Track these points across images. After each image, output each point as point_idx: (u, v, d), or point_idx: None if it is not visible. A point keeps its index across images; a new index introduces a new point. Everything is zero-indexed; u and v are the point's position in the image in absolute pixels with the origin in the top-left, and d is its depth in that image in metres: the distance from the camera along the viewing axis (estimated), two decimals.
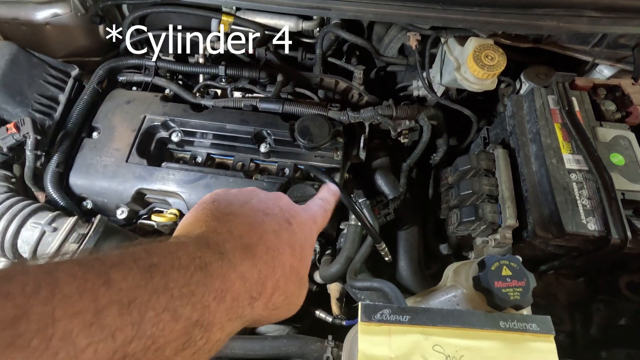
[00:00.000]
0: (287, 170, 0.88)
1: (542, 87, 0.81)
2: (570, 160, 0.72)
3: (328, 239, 0.94)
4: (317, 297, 0.98)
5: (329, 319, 0.91)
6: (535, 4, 0.68)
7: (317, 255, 0.91)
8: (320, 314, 0.92)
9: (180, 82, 1.09)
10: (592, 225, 0.65)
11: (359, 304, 0.56)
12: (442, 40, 0.96)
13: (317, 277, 0.92)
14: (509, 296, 0.57)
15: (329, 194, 0.55)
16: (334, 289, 0.94)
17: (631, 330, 0.83)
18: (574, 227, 0.65)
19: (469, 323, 0.56)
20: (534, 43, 0.86)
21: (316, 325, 0.97)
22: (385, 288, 0.62)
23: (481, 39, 0.83)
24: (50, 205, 0.78)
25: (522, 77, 0.97)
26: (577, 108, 0.78)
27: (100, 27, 1.13)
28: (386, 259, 0.77)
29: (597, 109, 0.79)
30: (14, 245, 0.69)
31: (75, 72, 0.91)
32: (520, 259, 0.61)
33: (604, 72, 0.92)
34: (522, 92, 0.96)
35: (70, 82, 0.90)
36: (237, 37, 1.08)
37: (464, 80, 0.82)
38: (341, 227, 0.88)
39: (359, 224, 0.81)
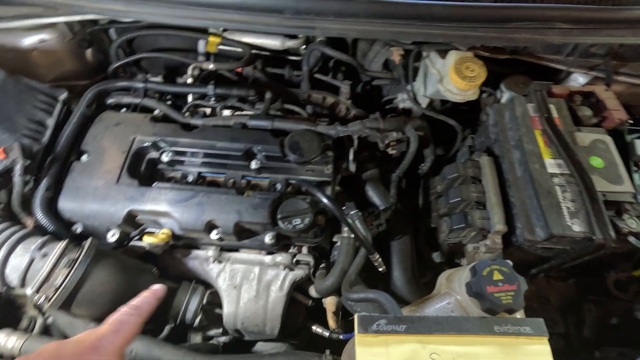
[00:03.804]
0: (278, 186, 0.89)
1: (522, 96, 0.85)
2: (552, 164, 0.75)
3: (322, 253, 0.94)
4: (314, 312, 0.98)
5: (326, 333, 0.90)
6: (510, 18, 0.72)
7: (312, 270, 0.91)
8: (317, 329, 0.92)
9: (170, 103, 1.10)
10: (577, 227, 0.67)
11: (355, 315, 0.56)
12: (424, 54, 1.00)
13: (313, 291, 0.92)
14: (502, 300, 0.58)
15: (143, 299, 0.55)
16: (329, 302, 0.93)
17: (623, 329, 0.85)
18: (560, 229, 0.67)
19: (464, 329, 0.56)
20: (512, 54, 0.90)
21: (314, 341, 0.96)
22: (380, 298, 0.62)
23: (461, 52, 0.86)
24: (40, 230, 0.77)
25: (502, 86, 1.01)
26: (555, 115, 0.81)
27: (88, 51, 1.14)
28: (380, 269, 0.77)
29: (574, 115, 0.83)
30: (2, 273, 0.68)
31: (63, 96, 0.91)
32: (511, 263, 0.63)
33: (579, 79, 0.96)
34: (502, 101, 0.99)
35: (58, 106, 0.90)
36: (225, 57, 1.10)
37: (447, 92, 0.85)
38: (334, 240, 0.89)
39: (352, 236, 0.81)
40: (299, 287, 0.96)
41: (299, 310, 0.99)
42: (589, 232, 0.66)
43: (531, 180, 0.73)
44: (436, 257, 0.94)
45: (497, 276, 0.60)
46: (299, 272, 0.91)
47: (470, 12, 0.70)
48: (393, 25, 0.70)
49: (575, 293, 0.89)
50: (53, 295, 0.63)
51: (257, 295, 0.90)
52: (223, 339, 1.00)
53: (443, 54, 0.92)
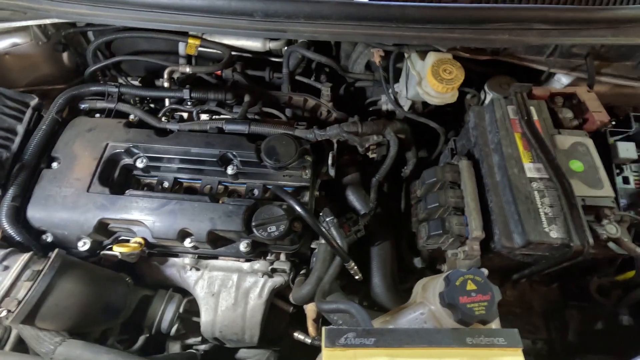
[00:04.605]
0: (256, 192, 0.87)
1: (502, 98, 0.83)
2: (531, 169, 0.73)
3: (302, 258, 0.92)
4: (296, 318, 0.96)
5: (308, 340, 0.89)
6: (487, 19, 0.70)
7: (291, 276, 0.89)
8: (298, 335, 0.90)
9: (152, 107, 1.08)
10: (554, 233, 0.66)
11: (323, 328, 0.54)
12: (406, 55, 0.98)
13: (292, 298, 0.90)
14: (474, 311, 0.56)
15: None
16: (310, 309, 0.92)
17: (606, 335, 0.84)
18: (537, 236, 0.65)
19: (435, 342, 0.55)
20: (493, 55, 0.88)
21: (296, 348, 0.95)
22: (351, 310, 0.60)
23: (440, 53, 0.84)
24: (7, 241, 0.75)
25: (485, 87, 1.00)
26: (535, 117, 0.79)
27: (65, 55, 1.12)
28: (356, 277, 0.75)
29: (555, 117, 0.81)
30: None
31: (34, 102, 0.89)
32: (486, 271, 0.61)
33: (562, 80, 0.94)
34: (486, 102, 0.97)
35: (28, 112, 0.87)
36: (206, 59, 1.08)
37: (425, 94, 0.83)
38: (313, 246, 0.87)
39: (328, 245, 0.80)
40: (280, 294, 0.95)
41: (281, 317, 0.98)
42: (567, 239, 0.65)
43: (509, 185, 0.71)
44: (418, 262, 0.93)
45: (470, 286, 0.59)
46: (278, 279, 0.89)
47: (444, 14, 0.68)
48: (366, 27, 0.68)
49: (558, 298, 0.87)
50: (15, 309, 0.61)
51: (236, 303, 0.89)
52: (203, 347, 0.98)
53: (423, 55, 0.90)
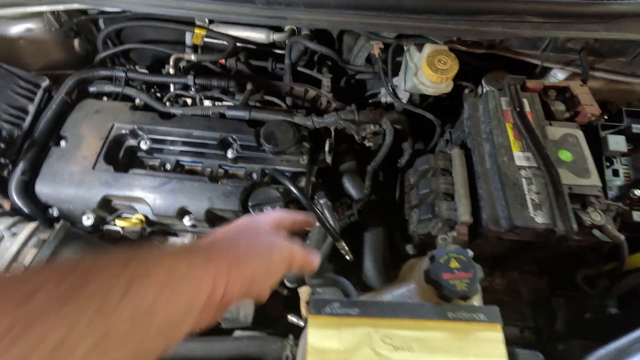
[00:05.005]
0: (254, 175, 0.90)
1: (496, 90, 0.85)
2: (521, 157, 0.75)
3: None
4: (290, 301, 0.99)
5: (302, 323, 0.91)
6: (481, 10, 0.72)
7: None
8: (292, 318, 0.93)
9: (158, 95, 1.12)
10: (539, 219, 0.67)
11: (310, 298, 0.57)
12: (405, 48, 1.00)
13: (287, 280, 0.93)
14: (456, 287, 0.58)
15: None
16: (304, 292, 0.94)
17: (594, 324, 0.85)
18: (522, 220, 0.67)
19: (417, 314, 0.57)
20: (488, 49, 0.90)
21: (291, 331, 0.97)
22: (339, 281, 0.63)
23: (437, 45, 0.87)
24: (16, 213, 0.79)
25: (483, 82, 1.01)
26: (527, 109, 0.81)
27: (76, 41, 1.16)
28: (347, 257, 0.78)
29: (547, 110, 0.83)
30: None
31: (45, 83, 0.93)
32: (471, 253, 0.63)
33: (557, 75, 0.96)
34: None
35: (39, 93, 0.91)
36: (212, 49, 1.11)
37: (420, 85, 0.86)
38: (307, 229, 0.90)
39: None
40: None
41: (276, 300, 1.01)
42: (551, 224, 0.66)
43: (498, 172, 0.73)
44: (410, 249, 0.95)
45: (454, 264, 0.61)
46: None
47: (439, 4, 0.70)
48: (363, 16, 0.71)
49: (547, 288, 0.89)
50: None
51: None
52: None
53: (421, 47, 0.92)
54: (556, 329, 0.87)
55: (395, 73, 1.08)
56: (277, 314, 1.00)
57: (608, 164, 0.83)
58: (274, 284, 0.48)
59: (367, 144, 0.98)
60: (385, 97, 1.13)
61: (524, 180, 0.72)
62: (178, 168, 0.94)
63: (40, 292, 0.25)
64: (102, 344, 0.26)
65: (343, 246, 0.75)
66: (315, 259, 0.55)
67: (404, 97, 1.06)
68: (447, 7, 0.71)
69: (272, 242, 0.49)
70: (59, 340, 0.24)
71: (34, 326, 0.23)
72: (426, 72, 0.82)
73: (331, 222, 0.76)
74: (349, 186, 0.98)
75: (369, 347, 0.55)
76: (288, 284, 0.93)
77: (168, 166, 0.93)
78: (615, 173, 0.82)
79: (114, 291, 0.28)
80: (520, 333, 0.89)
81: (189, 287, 0.34)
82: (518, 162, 0.74)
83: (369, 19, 0.71)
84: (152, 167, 0.94)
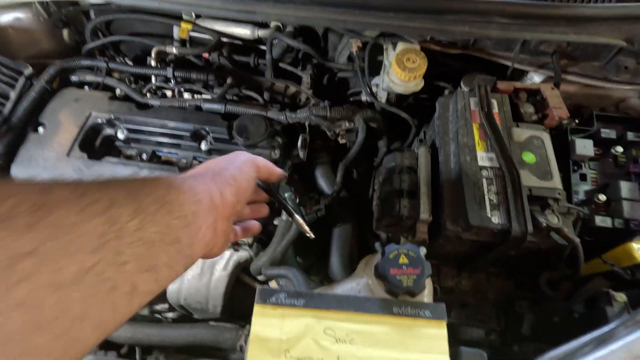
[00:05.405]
0: None
1: (466, 90, 0.85)
2: (484, 157, 0.75)
3: (268, 235, 0.96)
4: None
5: None
6: (447, 10, 0.73)
7: (255, 251, 0.93)
8: None
9: (142, 86, 1.13)
10: (495, 219, 0.68)
11: (257, 288, 0.58)
12: (384, 47, 1.01)
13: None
14: (402, 282, 0.59)
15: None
16: (274, 285, 0.95)
17: (559, 328, 0.85)
18: (479, 220, 0.68)
19: (362, 308, 0.58)
20: (463, 49, 0.90)
21: None
22: (289, 274, 0.64)
23: (407, 43, 0.87)
24: None
25: (461, 83, 1.02)
26: (496, 110, 0.81)
27: (65, 31, 1.19)
28: (307, 235, 0.76)
29: (517, 111, 0.83)
30: None
31: (28, 70, 0.95)
32: (424, 250, 0.64)
33: (534, 78, 0.96)
34: None
35: (21, 80, 0.94)
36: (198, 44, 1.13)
37: (390, 83, 0.86)
38: (275, 222, 0.91)
39: (289, 219, 0.83)
40: (246, 270, 0.98)
41: (247, 293, 1.02)
42: (507, 225, 0.67)
43: (460, 172, 0.73)
44: (378, 247, 0.95)
45: (403, 260, 0.61)
46: (243, 254, 0.93)
47: (405, 2, 0.71)
48: (330, 12, 0.72)
49: (512, 290, 0.89)
50: None
51: (201, 273, 0.93)
52: (170, 315, 1.03)
53: (396, 46, 0.93)
54: (522, 332, 0.86)
55: (378, 72, 1.09)
56: (248, 307, 1.01)
57: (575, 167, 0.82)
58: (251, 185, 0.52)
59: (341, 141, 0.98)
60: (366, 96, 1.13)
61: (484, 181, 0.72)
62: (155, 158, 0.95)
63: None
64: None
65: (301, 223, 0.74)
66: (277, 169, 0.61)
67: (383, 96, 1.06)
68: (413, 4, 0.72)
69: (238, 157, 0.53)
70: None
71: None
72: (395, 70, 0.82)
73: (290, 203, 0.74)
74: (321, 182, 0.98)
75: (311, 337, 0.56)
76: (259, 278, 0.94)
77: (144, 156, 0.95)
78: (583, 177, 0.82)
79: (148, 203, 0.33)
80: (486, 336, 0.89)
81: (192, 197, 0.39)
82: (481, 162, 0.75)
83: (335, 15, 0.72)
84: (129, 157, 0.96)
